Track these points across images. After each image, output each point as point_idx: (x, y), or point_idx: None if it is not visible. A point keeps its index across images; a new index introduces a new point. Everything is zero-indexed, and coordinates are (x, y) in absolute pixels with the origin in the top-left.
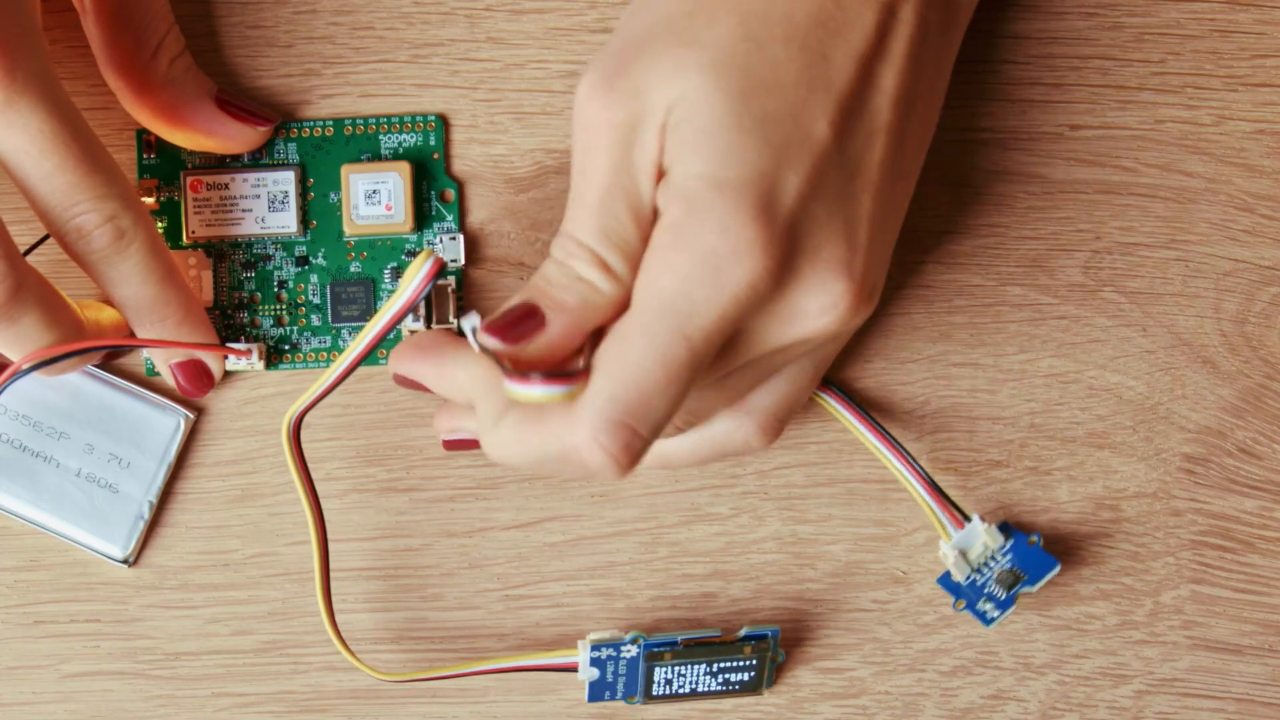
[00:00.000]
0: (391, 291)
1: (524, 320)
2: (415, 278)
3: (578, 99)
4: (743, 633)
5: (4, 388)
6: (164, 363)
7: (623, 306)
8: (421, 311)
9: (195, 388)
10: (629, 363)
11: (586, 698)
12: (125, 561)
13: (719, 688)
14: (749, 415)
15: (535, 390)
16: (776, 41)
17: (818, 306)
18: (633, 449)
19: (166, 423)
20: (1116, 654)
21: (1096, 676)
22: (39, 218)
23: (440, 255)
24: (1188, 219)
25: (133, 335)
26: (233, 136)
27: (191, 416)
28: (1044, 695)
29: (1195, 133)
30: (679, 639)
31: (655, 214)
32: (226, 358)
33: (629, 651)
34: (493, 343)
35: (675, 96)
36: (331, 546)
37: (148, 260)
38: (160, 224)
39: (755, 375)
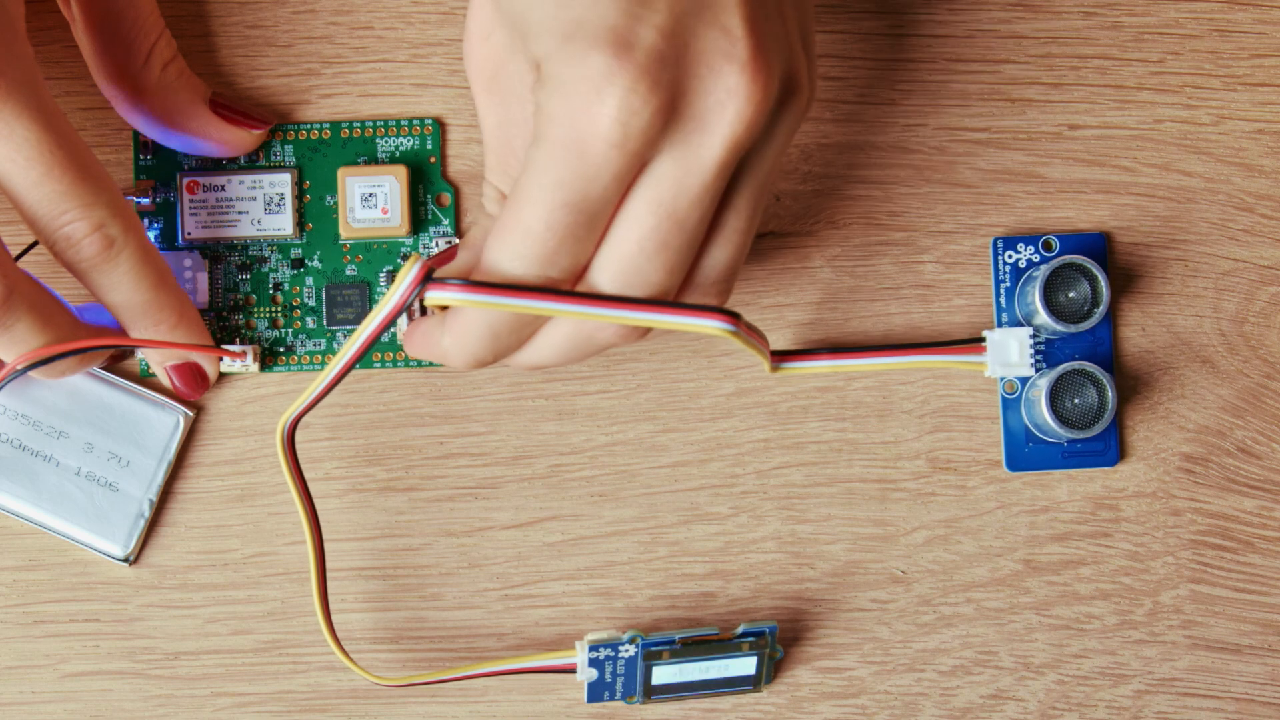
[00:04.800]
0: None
1: (441, 261)
2: (403, 282)
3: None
4: (740, 630)
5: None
6: (159, 365)
7: None
8: (416, 313)
9: (190, 390)
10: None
11: (585, 698)
12: (126, 560)
13: (718, 687)
14: (698, 289)
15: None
16: None
17: (713, 102)
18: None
19: (166, 421)
20: (1116, 653)
21: (1096, 676)
22: (28, 226)
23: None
24: (1187, 218)
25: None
26: (228, 140)
27: (190, 414)
28: (1043, 695)
29: (1194, 132)
30: (676, 638)
31: None
32: (221, 359)
33: (627, 651)
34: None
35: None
36: (330, 546)
37: (138, 267)
38: (157, 224)
39: (693, 228)
